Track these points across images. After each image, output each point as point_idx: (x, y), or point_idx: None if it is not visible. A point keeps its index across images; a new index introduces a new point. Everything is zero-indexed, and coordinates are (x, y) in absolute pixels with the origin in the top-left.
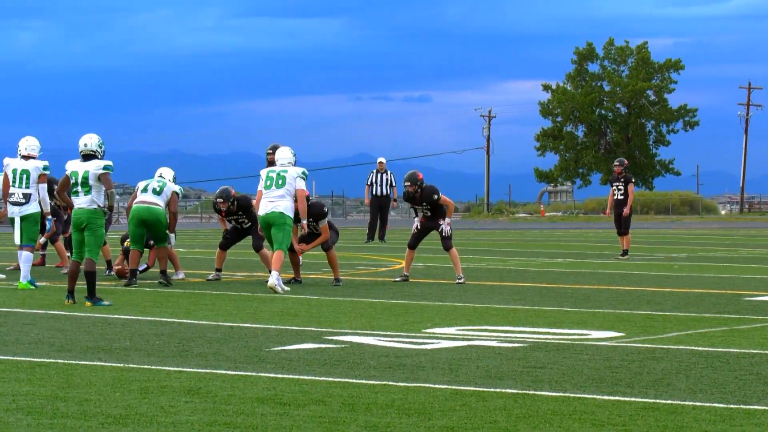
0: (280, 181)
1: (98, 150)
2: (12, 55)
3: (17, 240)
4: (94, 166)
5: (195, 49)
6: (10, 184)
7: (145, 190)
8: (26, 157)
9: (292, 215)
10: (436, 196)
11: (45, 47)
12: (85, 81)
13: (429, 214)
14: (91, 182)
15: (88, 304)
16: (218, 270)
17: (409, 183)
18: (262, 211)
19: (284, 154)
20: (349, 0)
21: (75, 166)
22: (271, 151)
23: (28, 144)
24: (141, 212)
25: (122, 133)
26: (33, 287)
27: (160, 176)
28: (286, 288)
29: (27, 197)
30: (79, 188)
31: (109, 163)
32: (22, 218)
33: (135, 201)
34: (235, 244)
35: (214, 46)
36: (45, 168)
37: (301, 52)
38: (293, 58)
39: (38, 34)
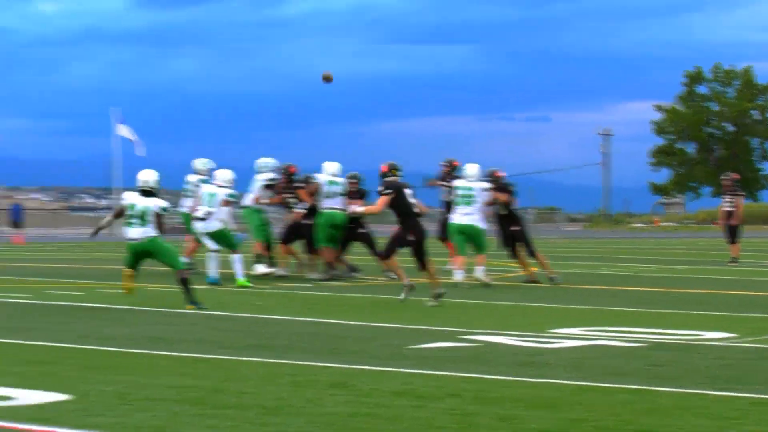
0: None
1: (155, 187)
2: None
3: (212, 245)
4: (154, 203)
5: (337, 74)
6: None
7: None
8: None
9: None
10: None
11: (201, 72)
12: (238, 103)
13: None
14: (148, 217)
15: (190, 307)
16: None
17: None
18: (457, 221)
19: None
20: (475, 29)
21: (134, 199)
22: (446, 164)
23: (220, 175)
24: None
25: (272, 150)
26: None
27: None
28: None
29: (209, 215)
30: (135, 221)
31: (166, 204)
32: (210, 234)
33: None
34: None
35: (355, 71)
36: (231, 196)
37: (432, 76)
38: (426, 81)
39: (195, 61)
